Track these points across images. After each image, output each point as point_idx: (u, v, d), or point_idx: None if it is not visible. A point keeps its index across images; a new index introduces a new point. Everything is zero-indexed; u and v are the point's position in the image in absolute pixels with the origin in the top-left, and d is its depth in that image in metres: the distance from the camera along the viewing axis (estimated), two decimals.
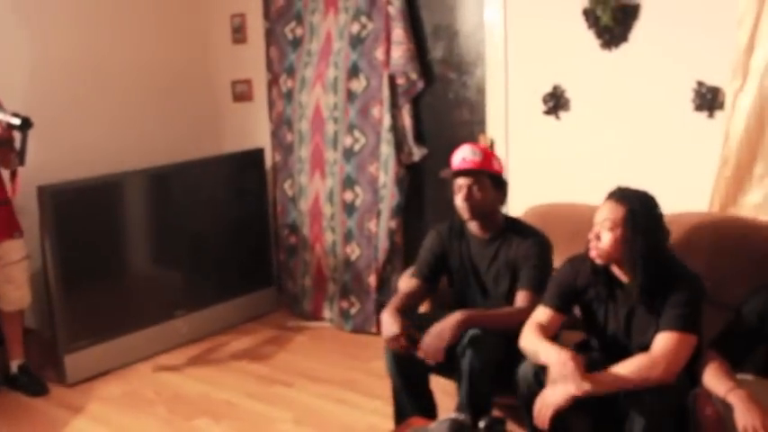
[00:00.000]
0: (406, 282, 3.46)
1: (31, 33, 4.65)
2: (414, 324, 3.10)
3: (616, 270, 2.78)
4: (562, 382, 2.57)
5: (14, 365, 4.26)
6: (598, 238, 2.71)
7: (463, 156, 3.21)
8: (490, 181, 3.21)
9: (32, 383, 4.22)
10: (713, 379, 2.53)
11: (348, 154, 4.80)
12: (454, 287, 3.43)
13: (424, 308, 3.53)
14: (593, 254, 2.75)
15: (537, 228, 3.37)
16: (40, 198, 4.24)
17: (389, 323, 3.10)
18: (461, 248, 3.35)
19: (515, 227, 3.31)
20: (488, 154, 3.27)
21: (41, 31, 4.69)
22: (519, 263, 3.19)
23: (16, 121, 3.65)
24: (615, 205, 2.70)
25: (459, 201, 3.21)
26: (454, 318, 3.02)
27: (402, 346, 3.04)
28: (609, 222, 2.69)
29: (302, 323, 5.20)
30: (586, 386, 2.53)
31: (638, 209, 2.69)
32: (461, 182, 3.19)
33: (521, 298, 3.13)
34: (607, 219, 2.69)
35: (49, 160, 4.47)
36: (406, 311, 3.21)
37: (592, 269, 2.81)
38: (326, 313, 5.12)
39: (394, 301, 3.25)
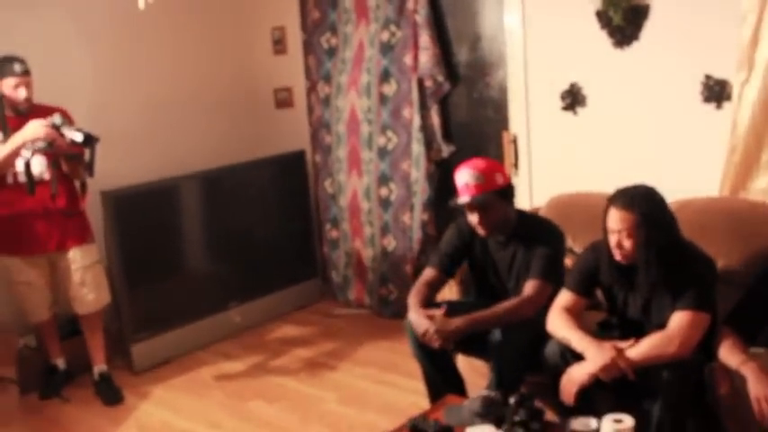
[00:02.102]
0: (425, 272, 3.41)
1: (94, 52, 4.76)
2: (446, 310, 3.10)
3: (636, 262, 2.77)
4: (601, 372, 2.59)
5: (96, 371, 4.23)
6: (621, 246, 2.71)
7: (466, 182, 3.09)
8: (498, 196, 3.13)
9: (111, 393, 4.16)
10: (727, 353, 2.54)
11: (382, 153, 4.84)
12: (476, 278, 3.43)
13: (453, 293, 3.56)
14: (618, 258, 2.74)
15: (547, 219, 3.38)
16: (103, 202, 4.35)
17: (420, 323, 3.08)
18: (484, 246, 3.33)
19: (528, 225, 3.27)
20: (490, 171, 3.13)
21: (103, 51, 4.82)
22: (533, 259, 3.17)
23: (79, 138, 3.64)
24: (626, 213, 2.67)
25: (474, 225, 3.17)
26: (455, 323, 3.01)
27: (437, 342, 3.04)
28: (626, 231, 2.67)
29: (345, 311, 5.25)
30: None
31: (647, 210, 2.67)
32: (470, 210, 3.14)
33: (528, 286, 3.11)
34: (623, 228, 2.67)
35: (111, 167, 4.55)
36: (429, 303, 3.21)
37: (615, 268, 2.80)
38: (367, 301, 5.17)
39: (416, 298, 3.22)
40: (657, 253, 2.67)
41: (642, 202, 2.68)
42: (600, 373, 2.59)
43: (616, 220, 2.69)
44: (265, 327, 5.05)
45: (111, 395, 4.16)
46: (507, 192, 3.20)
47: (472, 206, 3.12)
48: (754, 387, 2.38)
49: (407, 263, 4.82)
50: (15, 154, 3.69)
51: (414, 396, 3.65)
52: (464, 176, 3.11)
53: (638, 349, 2.60)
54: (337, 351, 4.59)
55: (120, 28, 4.82)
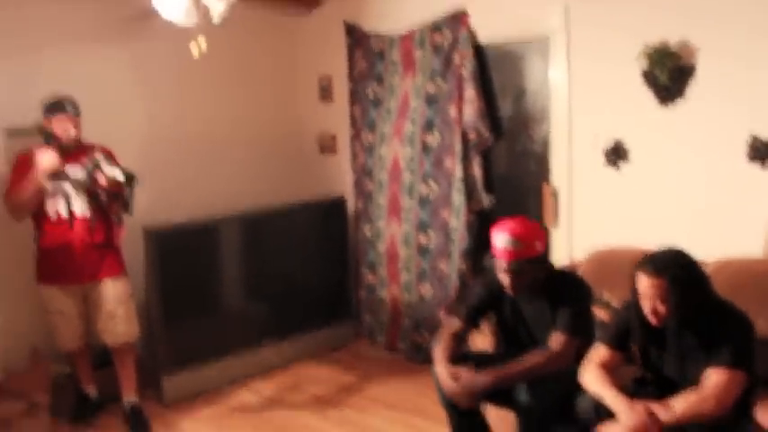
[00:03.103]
0: (450, 322, 3.37)
1: (147, 97, 4.85)
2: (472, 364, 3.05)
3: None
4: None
5: (126, 402, 4.17)
6: (656, 311, 2.63)
7: (504, 246, 3.05)
8: (533, 263, 3.08)
9: (139, 424, 4.10)
10: (766, 415, 2.42)
11: (423, 201, 4.81)
12: (504, 331, 3.37)
13: (487, 343, 3.48)
14: (654, 322, 2.67)
15: (574, 274, 3.36)
16: (145, 237, 4.36)
17: (447, 383, 3.04)
18: (512, 300, 3.26)
19: (556, 280, 3.20)
20: (529, 239, 3.07)
21: (156, 96, 4.90)
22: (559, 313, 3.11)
23: (121, 177, 3.77)
24: (657, 279, 2.60)
25: (506, 285, 3.13)
26: (482, 380, 2.96)
27: (464, 402, 3.00)
28: (659, 297, 2.60)
29: (378, 354, 5.17)
30: None
31: (677, 274, 2.60)
32: (504, 271, 3.10)
33: (555, 340, 3.04)
34: (655, 294, 2.60)
35: (157, 205, 4.61)
36: (455, 355, 3.15)
37: (647, 330, 2.73)
38: (400, 345, 5.08)
39: (443, 351, 3.16)
40: (692, 313, 2.59)
41: (672, 267, 2.61)
42: None
43: (647, 286, 2.62)
44: (298, 366, 4.98)
45: (139, 427, 4.10)
46: (543, 258, 3.17)
47: (507, 270, 3.08)
48: None
49: (442, 310, 4.73)
50: (34, 184, 3.79)
51: None
52: (504, 241, 3.06)
53: (672, 411, 2.50)
54: (368, 394, 4.50)
55: (174, 73, 4.89)
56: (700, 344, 2.63)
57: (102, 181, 3.82)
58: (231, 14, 3.58)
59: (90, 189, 3.87)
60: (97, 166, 3.81)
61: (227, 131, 5.32)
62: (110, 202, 3.93)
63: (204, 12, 3.50)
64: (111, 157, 3.93)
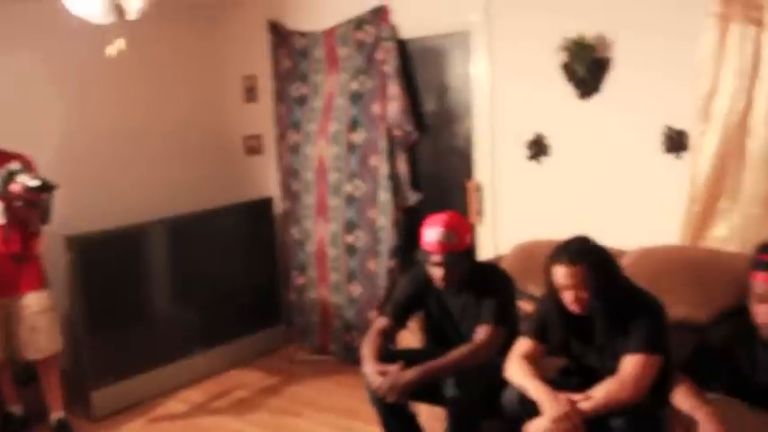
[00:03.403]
0: (377, 320, 3.36)
1: (63, 98, 4.70)
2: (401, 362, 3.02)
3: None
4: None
5: (54, 418, 4.04)
6: (579, 299, 2.66)
7: (437, 239, 3.05)
8: (464, 256, 3.11)
9: None
10: (681, 398, 2.48)
11: (349, 200, 4.78)
12: (431, 327, 3.36)
13: (416, 340, 3.48)
14: (578, 311, 2.69)
15: (496, 266, 3.39)
16: (67, 246, 4.22)
17: (374, 379, 3.02)
18: (437, 295, 3.27)
19: (479, 273, 3.21)
20: (460, 232, 3.09)
21: (73, 97, 4.75)
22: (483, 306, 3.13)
23: (34, 184, 3.62)
24: (574, 268, 2.64)
25: (436, 279, 3.13)
26: (409, 375, 2.94)
27: (391, 397, 2.97)
28: (579, 284, 2.64)
29: (310, 357, 5.12)
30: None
31: (592, 258, 2.66)
32: (436, 265, 3.10)
33: (479, 332, 3.06)
34: (574, 281, 2.64)
35: (77, 212, 4.46)
36: (382, 353, 3.14)
37: (566, 321, 2.76)
38: (332, 347, 5.04)
39: (370, 349, 3.15)
40: (610, 301, 2.64)
41: (585, 253, 2.68)
42: (553, 425, 2.52)
43: (566, 276, 2.66)
44: (229, 373, 4.90)
45: None
46: (472, 251, 3.21)
47: (440, 264, 3.08)
48: None
49: (372, 310, 4.71)
50: None
51: None
52: (435, 234, 3.06)
53: (593, 400, 2.54)
54: (301, 397, 4.45)
55: (89, 73, 4.74)
56: (616, 331, 2.67)
57: (16, 189, 3.66)
58: (149, 11, 3.45)
59: (4, 198, 3.72)
60: (12, 175, 3.66)
61: (150, 134, 5.19)
62: (27, 211, 3.79)
63: (121, 9, 3.38)
64: (29, 166, 3.79)
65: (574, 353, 2.84)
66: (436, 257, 3.06)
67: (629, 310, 2.65)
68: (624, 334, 2.63)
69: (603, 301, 2.64)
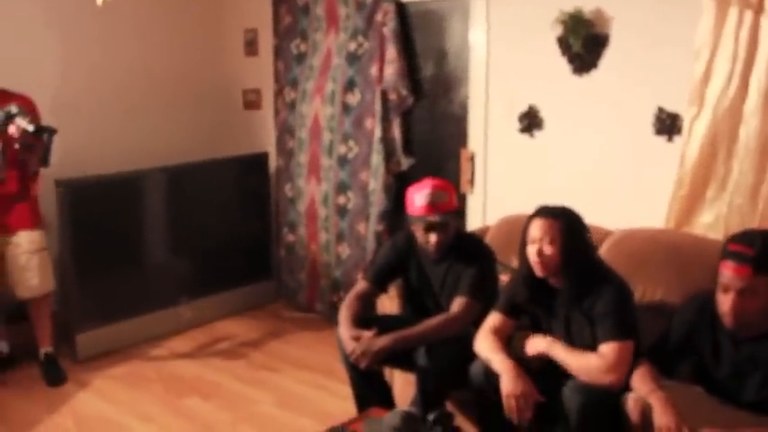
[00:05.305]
0: (358, 284, 3.38)
1: (62, 42, 4.68)
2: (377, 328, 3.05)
3: (552, 279, 2.75)
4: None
5: (42, 352, 4.16)
6: (541, 253, 2.68)
7: (430, 201, 3.06)
8: (456, 217, 3.14)
9: (55, 374, 4.11)
10: (639, 382, 2.50)
11: (342, 161, 4.76)
12: (410, 295, 3.38)
13: (394, 306, 3.50)
14: (538, 268, 2.72)
15: (479, 238, 3.40)
16: (57, 190, 4.24)
17: (347, 343, 3.04)
18: (417, 263, 3.29)
19: (461, 244, 3.22)
20: (448, 191, 3.12)
21: (72, 41, 4.73)
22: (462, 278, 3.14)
23: (30, 128, 3.63)
24: (549, 221, 2.69)
25: (430, 245, 3.13)
26: (381, 342, 2.96)
27: (362, 363, 2.99)
28: (548, 237, 2.67)
29: (296, 314, 5.16)
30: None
31: (569, 221, 2.71)
32: (430, 227, 3.10)
33: (455, 304, 3.08)
34: (546, 234, 2.68)
35: (74, 156, 4.46)
36: (360, 317, 3.16)
37: (529, 285, 2.79)
38: (318, 306, 5.08)
39: (347, 312, 3.17)
40: (577, 268, 2.67)
41: (565, 215, 2.73)
42: (505, 400, 2.58)
43: (538, 228, 2.70)
44: (215, 324, 4.95)
45: (54, 376, 4.10)
46: (459, 213, 3.24)
47: (434, 226, 3.08)
48: (658, 417, 2.33)
49: (359, 271, 4.73)
50: None
51: (348, 403, 3.56)
52: (425, 196, 3.07)
53: (577, 362, 2.60)
54: (282, 353, 4.50)
55: (91, 18, 4.67)
56: (582, 308, 2.69)
57: (13, 131, 3.67)
58: None
59: (2, 138, 3.73)
60: (10, 117, 3.67)
61: (148, 82, 5.17)
62: (24, 153, 3.81)
63: None
64: (30, 108, 3.81)
65: (542, 328, 2.85)
66: (432, 218, 3.06)
67: (595, 286, 2.67)
68: (590, 311, 2.66)
69: (570, 268, 2.67)
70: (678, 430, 2.27)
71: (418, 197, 3.09)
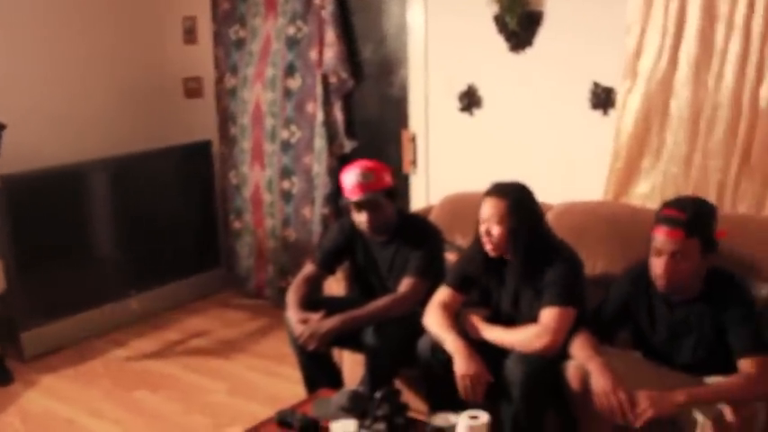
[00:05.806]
0: (305, 267, 3.39)
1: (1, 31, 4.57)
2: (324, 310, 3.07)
3: (505, 255, 2.78)
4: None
5: None
6: (489, 233, 2.72)
7: (357, 181, 3.08)
8: (385, 196, 3.13)
9: (1, 376, 4.04)
10: (577, 349, 2.55)
11: (285, 146, 4.75)
12: (358, 277, 3.39)
13: (340, 288, 3.52)
14: (488, 248, 2.75)
15: (425, 218, 3.42)
16: None
17: (296, 327, 3.05)
18: (364, 245, 3.30)
19: (408, 225, 3.25)
20: (378, 171, 3.13)
21: (12, 30, 4.61)
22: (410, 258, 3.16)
23: None
24: (497, 200, 2.72)
25: (363, 225, 3.15)
26: (329, 324, 2.98)
27: (311, 345, 3.01)
28: (496, 217, 2.70)
29: (246, 301, 5.15)
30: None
31: (517, 199, 2.73)
32: (359, 208, 3.12)
33: (403, 284, 3.10)
34: (494, 214, 2.70)
35: (14, 151, 4.31)
36: (307, 300, 3.17)
37: (484, 262, 2.82)
38: (267, 292, 5.07)
39: (295, 295, 3.18)
40: (525, 244, 2.70)
41: (513, 193, 2.75)
42: (459, 381, 2.60)
43: (487, 207, 2.73)
44: (164, 316, 4.91)
45: (0, 376, 4.02)
46: (393, 192, 3.20)
47: (362, 205, 3.09)
48: (596, 382, 2.39)
49: (307, 256, 4.73)
50: None
51: (299, 387, 3.57)
52: (353, 176, 3.09)
53: (513, 337, 2.65)
54: (233, 342, 4.49)
55: (28, 9, 4.60)
56: (532, 279, 2.73)
57: None
58: None
59: None
60: None
61: (87, 74, 5.05)
62: None
63: None
64: None
65: (493, 300, 2.90)
66: (357, 198, 3.08)
67: (545, 260, 2.71)
68: (539, 283, 2.70)
69: (519, 246, 2.71)
70: (614, 393, 2.33)
71: (347, 178, 3.12)
